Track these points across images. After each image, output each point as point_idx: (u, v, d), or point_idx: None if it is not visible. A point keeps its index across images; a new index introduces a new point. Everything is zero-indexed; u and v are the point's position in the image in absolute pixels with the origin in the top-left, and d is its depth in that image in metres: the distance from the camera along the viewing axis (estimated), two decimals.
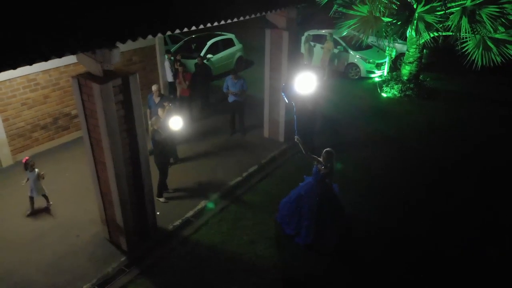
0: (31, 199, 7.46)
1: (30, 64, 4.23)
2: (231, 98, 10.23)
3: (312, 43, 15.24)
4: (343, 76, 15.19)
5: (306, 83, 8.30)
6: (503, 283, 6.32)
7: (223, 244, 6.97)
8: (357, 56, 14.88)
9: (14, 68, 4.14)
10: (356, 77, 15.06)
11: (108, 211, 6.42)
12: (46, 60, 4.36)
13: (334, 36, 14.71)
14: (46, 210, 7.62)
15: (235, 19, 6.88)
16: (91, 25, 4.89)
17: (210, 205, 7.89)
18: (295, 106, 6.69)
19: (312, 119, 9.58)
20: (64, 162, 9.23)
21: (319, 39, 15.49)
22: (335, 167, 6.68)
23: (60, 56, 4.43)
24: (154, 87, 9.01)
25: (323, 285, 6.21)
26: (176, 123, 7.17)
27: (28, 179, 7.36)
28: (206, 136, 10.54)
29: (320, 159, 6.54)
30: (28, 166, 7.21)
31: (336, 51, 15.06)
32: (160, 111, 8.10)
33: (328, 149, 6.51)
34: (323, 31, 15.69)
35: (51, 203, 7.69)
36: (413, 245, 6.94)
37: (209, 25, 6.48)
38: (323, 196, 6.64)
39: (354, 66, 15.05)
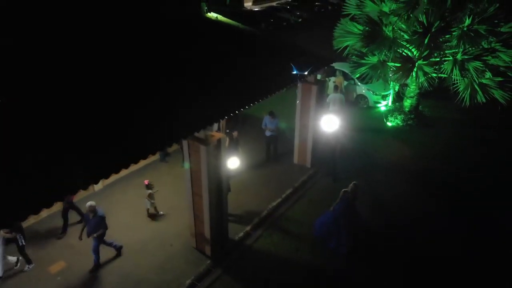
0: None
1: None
2: (268, 133, 12.84)
3: (327, 79, 17.79)
4: (353, 105, 17.74)
5: (330, 123, 10.95)
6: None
7: (276, 250, 9.54)
8: (365, 88, 17.45)
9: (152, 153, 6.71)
10: (365, 106, 17.62)
11: (197, 226, 8.99)
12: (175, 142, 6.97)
13: (345, 70, 17.17)
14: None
15: (285, 88, 9.53)
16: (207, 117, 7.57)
17: None
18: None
19: (333, 152, 12.17)
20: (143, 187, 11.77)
21: (332, 71, 18.01)
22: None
23: (185, 138, 7.08)
24: None
25: (356, 281, 8.77)
26: (233, 162, 9.59)
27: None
28: (246, 164, 12.85)
29: (348, 189, 9.17)
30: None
31: (346, 83, 17.61)
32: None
33: (355, 182, 9.19)
34: (333, 64, 18.14)
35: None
36: (413, 249, 9.51)
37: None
38: (354, 216, 9.29)
39: (363, 97, 17.63)
